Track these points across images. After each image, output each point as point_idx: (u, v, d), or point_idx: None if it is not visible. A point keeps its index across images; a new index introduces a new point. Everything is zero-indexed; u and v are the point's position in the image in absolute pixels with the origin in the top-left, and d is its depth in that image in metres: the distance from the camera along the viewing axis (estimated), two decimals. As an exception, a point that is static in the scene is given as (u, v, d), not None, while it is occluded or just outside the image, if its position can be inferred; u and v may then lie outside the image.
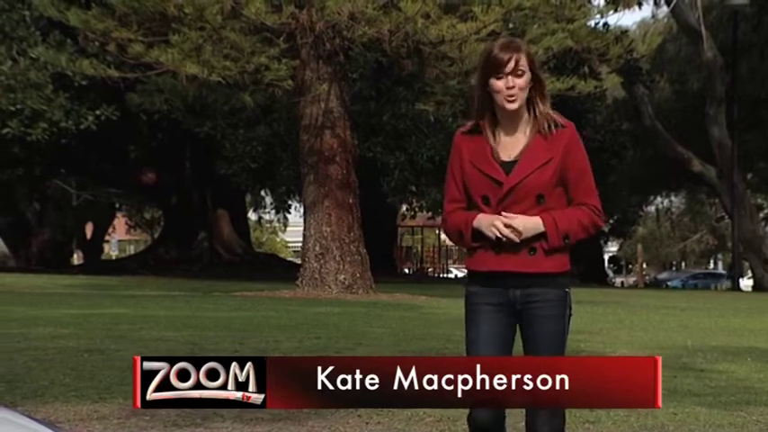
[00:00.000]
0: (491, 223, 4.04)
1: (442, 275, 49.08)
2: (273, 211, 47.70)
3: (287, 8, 18.87)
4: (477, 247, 4.11)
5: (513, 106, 4.06)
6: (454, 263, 60.47)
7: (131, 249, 64.83)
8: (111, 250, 62.78)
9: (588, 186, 4.14)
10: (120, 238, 67.22)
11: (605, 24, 27.39)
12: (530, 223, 4.04)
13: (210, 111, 27.04)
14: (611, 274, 60.87)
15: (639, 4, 29.01)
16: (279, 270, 31.19)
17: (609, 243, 60.57)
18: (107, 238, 57.94)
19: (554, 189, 4.07)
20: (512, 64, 4.04)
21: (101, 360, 8.89)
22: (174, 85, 20.81)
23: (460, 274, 54.89)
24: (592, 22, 23.47)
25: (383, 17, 18.87)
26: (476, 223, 4.08)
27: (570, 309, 4.14)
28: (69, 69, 21.47)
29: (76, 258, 52.84)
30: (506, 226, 4.02)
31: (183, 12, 19.09)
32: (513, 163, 4.07)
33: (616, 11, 22.84)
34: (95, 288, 21.75)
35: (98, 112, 26.38)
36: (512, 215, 4.04)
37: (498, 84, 4.06)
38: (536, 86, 4.11)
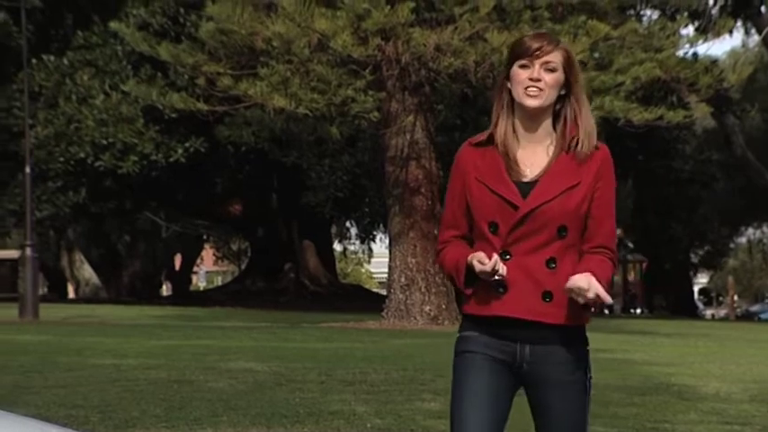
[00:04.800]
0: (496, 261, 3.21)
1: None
2: (358, 242, 47.91)
3: (373, 40, 18.99)
4: (475, 289, 3.35)
5: (533, 103, 3.30)
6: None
7: (219, 280, 65.52)
8: (199, 281, 63.58)
9: (611, 226, 3.37)
10: (207, 270, 68.04)
11: (694, 54, 27.06)
12: (593, 282, 3.18)
13: (296, 141, 27.30)
14: (701, 306, 59.90)
15: (730, 33, 28.61)
16: (364, 301, 31.24)
17: (699, 275, 59.67)
18: (195, 269, 58.70)
19: (580, 221, 3.31)
20: (543, 54, 3.32)
21: (190, 391, 8.97)
22: (261, 118, 21.05)
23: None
24: (681, 52, 23.20)
25: (469, 48, 18.89)
26: (470, 259, 3.28)
27: (590, 372, 3.40)
28: (160, 103, 21.86)
29: (165, 289, 53.57)
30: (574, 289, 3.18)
31: (271, 45, 19.32)
32: (532, 184, 3.30)
33: (706, 40, 22.57)
34: (184, 319, 21.99)
35: (187, 145, 26.79)
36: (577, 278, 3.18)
37: (521, 73, 3.33)
38: (570, 96, 3.37)
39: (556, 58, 3.33)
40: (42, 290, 37.02)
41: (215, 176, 31.78)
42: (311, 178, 29.92)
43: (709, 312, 58.95)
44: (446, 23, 19.25)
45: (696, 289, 60.40)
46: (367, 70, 19.67)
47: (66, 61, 27.38)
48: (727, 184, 43.83)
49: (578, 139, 3.33)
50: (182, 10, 26.01)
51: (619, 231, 45.15)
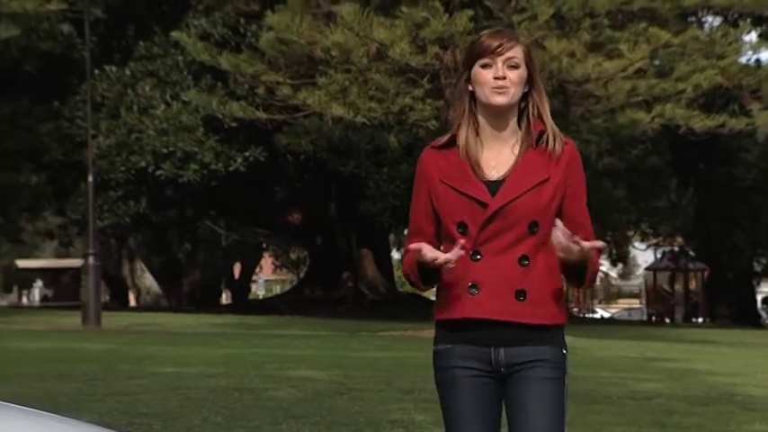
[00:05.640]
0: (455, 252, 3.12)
1: (586, 315, 48.42)
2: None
3: (431, 49, 19.00)
4: (446, 292, 3.25)
5: (501, 100, 3.19)
6: (600, 302, 59.50)
7: (277, 289, 65.81)
8: (257, 290, 63.86)
9: (587, 221, 3.28)
10: (266, 278, 68.33)
11: (757, 60, 26.74)
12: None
13: (355, 150, 27.36)
14: (764, 315, 59.08)
15: (793, 39, 28.20)
16: (422, 310, 31.12)
17: (762, 284, 58.84)
18: (254, 277, 58.96)
19: (551, 217, 3.18)
20: (504, 51, 3.20)
21: (251, 399, 9.01)
22: (320, 126, 21.15)
23: (606, 315, 53.98)
24: (743, 59, 22.95)
25: (527, 56, 18.83)
26: (417, 255, 3.17)
27: (567, 378, 3.25)
28: (220, 112, 22.05)
29: (225, 298, 53.89)
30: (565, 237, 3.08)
31: (330, 54, 19.42)
32: (500, 182, 3.20)
33: (769, 46, 22.29)
34: (244, 327, 22.11)
35: (246, 154, 26.95)
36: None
37: (484, 74, 3.20)
38: (533, 93, 3.28)
39: (517, 53, 3.23)
40: (104, 298, 37.42)
41: (274, 185, 31.92)
42: (369, 187, 29.94)
43: (772, 322, 58.09)
44: (505, 31, 19.20)
45: (759, 298, 59.56)
46: (425, 79, 19.68)
47: (127, 72, 27.69)
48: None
49: (547, 136, 3.24)
50: (242, 20, 26.19)
51: (680, 239, 44.28)
